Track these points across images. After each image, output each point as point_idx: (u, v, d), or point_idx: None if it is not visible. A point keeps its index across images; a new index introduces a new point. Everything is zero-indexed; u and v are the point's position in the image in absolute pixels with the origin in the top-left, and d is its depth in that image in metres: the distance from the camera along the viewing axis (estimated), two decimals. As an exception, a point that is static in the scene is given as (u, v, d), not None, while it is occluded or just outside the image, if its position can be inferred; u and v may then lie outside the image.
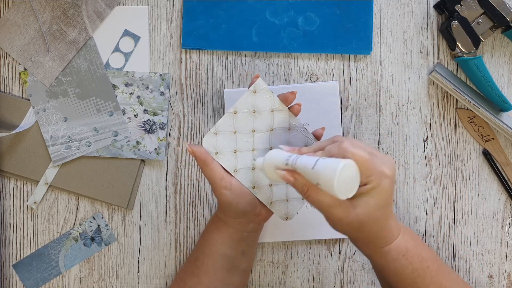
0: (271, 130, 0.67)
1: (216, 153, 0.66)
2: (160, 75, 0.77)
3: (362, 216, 0.58)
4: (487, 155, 0.77)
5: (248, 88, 0.66)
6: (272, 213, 0.69)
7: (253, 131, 0.67)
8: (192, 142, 0.78)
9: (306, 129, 0.68)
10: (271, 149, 0.67)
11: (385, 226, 0.60)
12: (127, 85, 0.77)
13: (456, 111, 0.77)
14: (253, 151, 0.67)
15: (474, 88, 0.77)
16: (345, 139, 0.58)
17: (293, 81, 0.77)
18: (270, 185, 0.68)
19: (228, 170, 0.67)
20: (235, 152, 0.67)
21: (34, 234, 0.78)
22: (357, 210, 0.58)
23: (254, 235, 0.70)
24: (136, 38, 0.77)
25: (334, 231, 0.77)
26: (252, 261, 0.73)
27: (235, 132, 0.66)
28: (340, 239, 0.78)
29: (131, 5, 0.77)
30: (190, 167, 0.78)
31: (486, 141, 0.77)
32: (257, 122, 0.67)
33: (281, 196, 0.68)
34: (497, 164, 0.77)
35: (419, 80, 0.77)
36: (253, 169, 0.67)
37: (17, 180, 0.78)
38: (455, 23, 0.73)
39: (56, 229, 0.78)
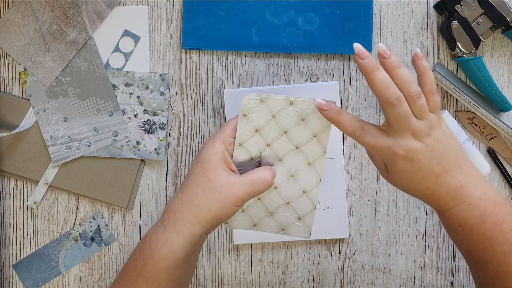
0: (296, 148, 0.62)
1: (245, 115, 0.60)
2: (160, 75, 0.77)
3: (396, 183, 0.60)
4: (491, 153, 0.77)
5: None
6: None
7: (285, 132, 0.62)
8: (192, 143, 0.78)
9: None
10: (280, 160, 0.63)
11: (431, 194, 0.58)
12: (127, 85, 0.77)
13: (455, 114, 0.77)
14: (268, 145, 0.62)
15: (474, 88, 0.77)
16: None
17: (293, 81, 0.77)
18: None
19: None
20: (256, 131, 0.61)
21: (34, 234, 0.78)
22: (391, 176, 0.60)
23: (200, 248, 0.63)
24: (136, 38, 0.77)
25: (334, 231, 0.77)
26: (192, 275, 0.67)
27: (274, 117, 0.61)
28: (340, 239, 0.78)
29: (131, 5, 0.77)
30: (190, 167, 0.78)
31: (489, 139, 0.77)
32: (296, 129, 0.61)
33: (291, 215, 0.65)
34: (502, 162, 0.77)
35: (419, 80, 0.77)
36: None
37: (17, 180, 0.78)
38: (455, 23, 0.73)
39: (56, 229, 0.78)
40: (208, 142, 0.60)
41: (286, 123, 0.61)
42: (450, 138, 0.59)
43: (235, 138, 0.61)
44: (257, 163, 0.63)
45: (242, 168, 0.62)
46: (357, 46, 0.56)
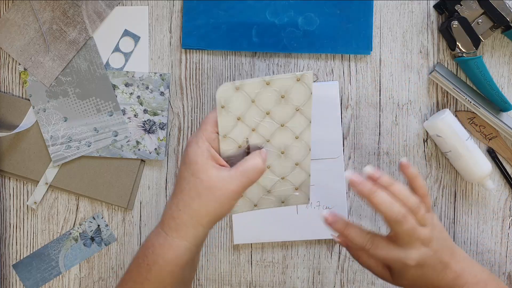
0: (281, 126, 0.61)
1: (223, 107, 0.58)
2: (160, 75, 0.77)
3: (402, 285, 0.63)
4: (491, 153, 0.77)
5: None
6: None
7: (268, 113, 0.60)
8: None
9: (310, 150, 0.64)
10: (268, 141, 0.62)
11: None
12: (127, 85, 0.77)
13: (456, 114, 0.77)
14: (252, 130, 0.61)
15: (474, 88, 0.77)
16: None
17: (293, 81, 0.77)
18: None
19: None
20: (238, 119, 0.60)
21: (34, 234, 0.78)
22: (397, 281, 0.63)
23: (202, 245, 0.63)
24: (136, 38, 0.77)
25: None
26: (195, 274, 0.67)
27: (253, 101, 0.59)
28: (340, 239, 0.78)
29: (131, 5, 0.77)
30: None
31: (489, 139, 0.77)
32: (278, 108, 0.60)
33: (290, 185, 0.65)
34: (502, 162, 0.77)
35: (419, 80, 0.77)
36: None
37: (17, 180, 0.78)
38: (455, 23, 0.73)
39: (56, 229, 0.78)
40: (192, 142, 0.58)
41: (267, 104, 0.60)
42: (443, 231, 0.63)
43: (218, 133, 0.59)
44: (246, 149, 0.62)
45: (232, 158, 0.61)
46: (348, 176, 0.58)
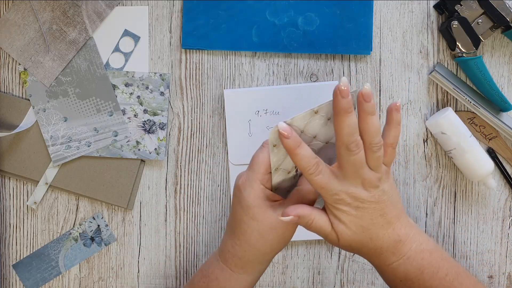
0: (326, 143, 0.61)
1: (275, 146, 0.58)
2: (160, 75, 0.77)
3: (341, 235, 0.59)
4: (491, 153, 0.77)
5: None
6: None
7: (314, 137, 0.60)
8: (192, 143, 0.78)
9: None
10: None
11: (373, 247, 0.59)
12: (127, 85, 0.77)
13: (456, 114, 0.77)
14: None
15: (474, 88, 0.77)
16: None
17: (293, 81, 0.77)
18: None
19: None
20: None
21: (34, 234, 0.78)
22: (336, 228, 0.59)
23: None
24: (136, 38, 0.77)
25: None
26: None
27: (302, 131, 0.58)
28: (340, 239, 0.78)
29: (131, 5, 0.77)
30: (190, 167, 0.78)
31: (489, 139, 0.77)
32: (323, 129, 0.59)
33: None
34: (502, 162, 0.77)
35: (419, 80, 0.77)
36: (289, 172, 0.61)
37: (17, 180, 0.78)
38: (455, 23, 0.73)
39: (56, 229, 0.78)
40: (245, 185, 0.59)
41: (314, 130, 0.59)
42: (394, 191, 0.60)
43: (270, 172, 0.59)
44: (295, 173, 0.62)
45: (282, 183, 0.62)
46: (344, 80, 0.55)
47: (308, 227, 0.59)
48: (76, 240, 0.78)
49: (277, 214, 0.58)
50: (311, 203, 0.61)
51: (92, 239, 0.78)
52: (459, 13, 0.73)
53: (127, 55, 0.77)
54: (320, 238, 0.77)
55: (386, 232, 0.58)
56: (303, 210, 0.58)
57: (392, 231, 0.59)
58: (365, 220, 0.58)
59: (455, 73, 0.77)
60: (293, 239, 0.77)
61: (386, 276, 0.62)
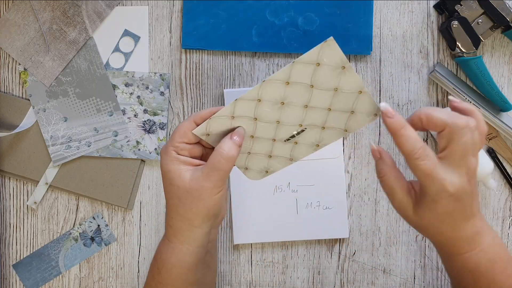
0: (311, 86, 0.57)
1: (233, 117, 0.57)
2: (160, 75, 0.77)
3: (422, 221, 0.56)
4: (491, 153, 0.77)
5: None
6: (227, 207, 0.63)
7: (282, 103, 0.58)
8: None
9: None
10: (301, 126, 0.59)
11: (452, 237, 0.57)
12: (127, 85, 0.77)
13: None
14: (277, 123, 0.59)
15: (474, 88, 0.77)
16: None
17: (293, 81, 0.77)
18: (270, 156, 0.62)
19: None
20: (255, 119, 0.59)
21: (34, 234, 0.78)
22: (421, 212, 0.56)
23: (215, 243, 0.65)
24: (136, 38, 0.77)
25: (334, 231, 0.77)
26: (216, 273, 0.67)
27: (282, 103, 0.57)
28: (340, 239, 0.78)
29: (131, 5, 0.77)
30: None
31: (489, 139, 0.77)
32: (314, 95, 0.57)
33: (263, 151, 0.62)
34: (502, 162, 0.77)
35: (419, 80, 0.77)
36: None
37: (17, 180, 0.78)
38: (455, 23, 0.73)
39: (56, 229, 0.78)
40: (162, 153, 0.60)
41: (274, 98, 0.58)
42: (477, 184, 0.58)
43: (185, 143, 0.59)
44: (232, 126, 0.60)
45: (215, 131, 0.60)
46: (384, 106, 0.54)
47: (381, 178, 0.57)
48: (76, 240, 0.78)
49: (194, 177, 0.57)
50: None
51: (92, 239, 0.78)
52: (459, 13, 0.73)
53: (127, 55, 0.77)
54: (320, 238, 0.77)
55: (469, 224, 0.56)
56: (389, 160, 0.56)
57: (473, 222, 0.56)
58: (459, 212, 0.55)
59: (455, 73, 0.77)
60: (293, 239, 0.77)
61: (454, 265, 0.59)
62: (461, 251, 0.57)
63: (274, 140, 0.61)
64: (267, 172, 0.64)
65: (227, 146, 0.57)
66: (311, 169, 0.76)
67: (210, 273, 0.65)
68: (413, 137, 0.53)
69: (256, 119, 0.59)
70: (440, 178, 0.53)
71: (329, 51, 0.55)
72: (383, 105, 0.54)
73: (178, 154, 0.59)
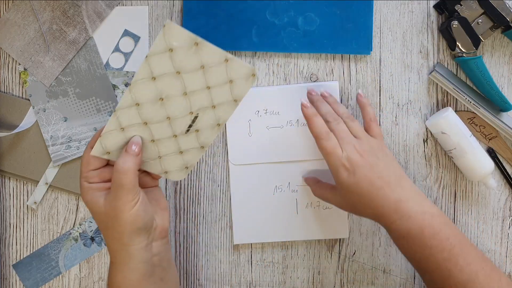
0: (208, 88, 0.58)
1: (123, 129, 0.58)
2: (160, 75, 0.77)
3: (345, 199, 0.68)
4: (491, 153, 0.77)
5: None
6: (168, 220, 0.64)
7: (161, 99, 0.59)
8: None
9: None
10: (193, 114, 0.59)
11: (375, 207, 0.65)
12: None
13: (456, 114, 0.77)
14: (168, 119, 0.59)
15: (474, 88, 0.77)
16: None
17: (293, 81, 0.77)
18: (160, 157, 0.62)
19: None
20: (145, 124, 0.59)
21: (34, 234, 0.78)
22: (341, 194, 0.68)
23: (165, 256, 0.65)
24: (136, 38, 0.77)
25: (334, 231, 0.77)
26: (177, 284, 0.68)
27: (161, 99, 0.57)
28: (340, 239, 0.78)
29: (131, 5, 0.77)
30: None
31: (489, 139, 0.77)
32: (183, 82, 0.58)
33: (171, 150, 0.62)
34: (502, 162, 0.77)
35: (419, 80, 0.77)
36: (152, 141, 0.60)
37: (17, 180, 0.78)
38: (455, 23, 0.73)
39: (56, 229, 0.78)
40: (79, 187, 0.62)
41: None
42: (391, 159, 0.68)
43: (92, 170, 0.61)
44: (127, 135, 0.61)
45: (113, 147, 0.61)
46: (303, 100, 0.69)
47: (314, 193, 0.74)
48: (76, 240, 0.78)
49: (107, 200, 0.59)
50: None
51: (92, 239, 0.78)
52: (459, 13, 0.73)
53: (127, 55, 0.77)
54: (320, 238, 0.77)
55: (386, 193, 0.64)
56: (313, 180, 0.75)
57: (392, 192, 0.64)
58: (365, 184, 0.65)
59: (455, 73, 0.77)
60: (293, 239, 0.77)
61: (392, 234, 0.66)
62: (390, 220, 0.64)
63: (176, 136, 0.61)
64: (187, 168, 0.64)
65: (121, 160, 0.58)
66: (311, 169, 0.77)
67: (166, 286, 0.65)
68: (321, 123, 0.68)
69: (146, 123, 0.59)
70: (337, 155, 0.66)
71: (173, 33, 0.54)
72: (302, 99, 0.69)
73: (90, 183, 0.61)
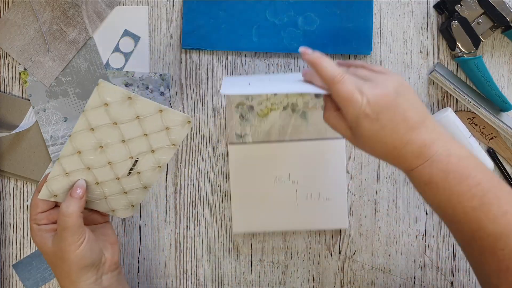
0: (122, 142, 0.61)
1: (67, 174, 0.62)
2: (160, 75, 0.77)
3: (364, 146, 0.59)
4: (491, 153, 0.77)
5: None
6: (118, 253, 0.66)
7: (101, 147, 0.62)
8: (192, 143, 0.78)
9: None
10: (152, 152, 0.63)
11: (397, 155, 0.57)
12: (127, 85, 0.77)
13: (456, 114, 0.77)
14: (109, 164, 0.63)
15: (474, 88, 0.77)
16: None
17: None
18: (105, 197, 0.66)
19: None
20: (88, 169, 0.62)
21: (34, 234, 0.78)
22: (358, 141, 0.59)
23: (117, 286, 0.66)
24: (136, 38, 0.77)
25: (333, 222, 0.77)
26: None
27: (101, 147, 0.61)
28: (340, 239, 0.78)
29: (131, 5, 0.77)
30: (190, 167, 0.78)
31: (489, 139, 0.77)
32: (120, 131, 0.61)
33: (116, 191, 0.65)
34: (502, 162, 0.77)
35: (419, 80, 0.77)
36: (97, 183, 0.63)
37: (17, 180, 0.78)
38: (455, 23, 0.73)
39: (56, 229, 0.78)
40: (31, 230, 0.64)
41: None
42: (413, 96, 0.58)
43: (40, 212, 0.63)
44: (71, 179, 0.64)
45: (59, 190, 0.64)
46: (302, 48, 0.59)
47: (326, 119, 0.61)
48: (76, 240, 0.78)
49: (54, 241, 0.62)
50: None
51: (92, 239, 0.78)
52: (459, 13, 0.73)
53: (127, 55, 0.77)
54: (320, 228, 0.77)
55: (410, 138, 0.56)
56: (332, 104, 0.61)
57: (416, 136, 0.56)
58: (388, 130, 0.56)
59: (455, 73, 0.77)
60: (292, 228, 0.77)
61: (414, 182, 0.59)
62: (412, 166, 0.57)
63: (119, 178, 0.64)
64: (132, 206, 0.67)
65: (65, 204, 0.61)
66: (312, 160, 0.76)
67: None
68: (331, 64, 0.57)
69: (89, 168, 0.62)
70: (358, 100, 0.55)
71: (106, 91, 0.58)
72: (301, 48, 0.59)
73: (39, 225, 0.63)
